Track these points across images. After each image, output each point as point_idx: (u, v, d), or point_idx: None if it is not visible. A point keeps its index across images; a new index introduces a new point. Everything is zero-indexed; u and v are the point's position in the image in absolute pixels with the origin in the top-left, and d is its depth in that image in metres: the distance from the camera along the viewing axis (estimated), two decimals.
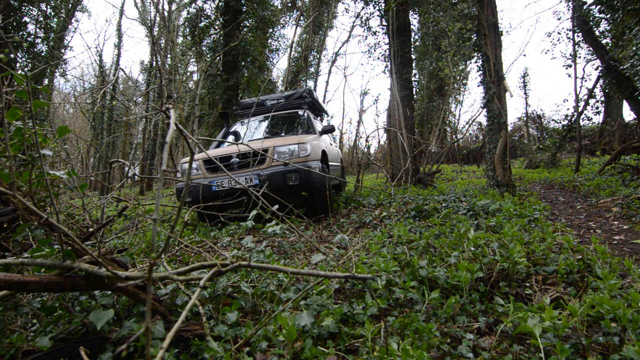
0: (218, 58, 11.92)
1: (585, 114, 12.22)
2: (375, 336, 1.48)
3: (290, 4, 19.21)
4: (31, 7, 12.11)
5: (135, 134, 23.12)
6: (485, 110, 6.19)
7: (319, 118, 7.43)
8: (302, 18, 18.05)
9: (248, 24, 12.35)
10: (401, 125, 8.74)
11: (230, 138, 6.07)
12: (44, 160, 1.50)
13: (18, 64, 11.58)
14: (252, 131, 6.19)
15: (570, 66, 11.41)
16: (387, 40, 11.40)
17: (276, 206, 2.31)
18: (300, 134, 5.59)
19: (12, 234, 1.77)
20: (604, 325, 1.36)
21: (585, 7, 11.08)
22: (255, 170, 4.43)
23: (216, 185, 4.33)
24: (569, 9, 12.02)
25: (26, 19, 11.92)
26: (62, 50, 15.05)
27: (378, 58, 13.47)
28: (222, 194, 4.35)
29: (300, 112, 6.50)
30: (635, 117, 10.73)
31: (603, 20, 10.89)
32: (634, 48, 7.25)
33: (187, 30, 14.13)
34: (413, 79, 10.71)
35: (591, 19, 11.21)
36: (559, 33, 13.56)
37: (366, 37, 17.21)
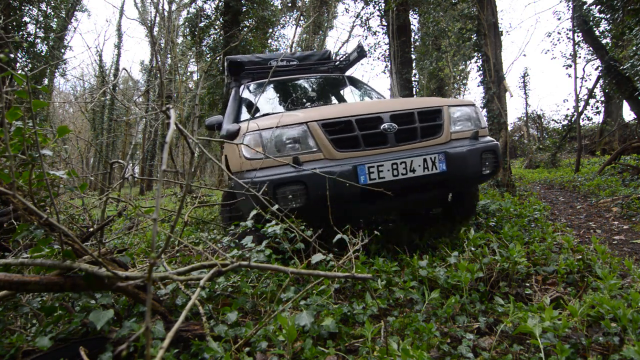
0: (218, 58, 11.92)
1: (585, 114, 12.22)
2: (375, 336, 1.48)
3: (290, 4, 19.21)
4: (31, 7, 12.11)
5: (135, 134, 23.18)
6: (485, 110, 6.20)
7: None
8: (302, 18, 18.06)
9: (248, 24, 12.36)
10: None
11: (244, 111, 3.67)
12: (44, 160, 1.50)
13: (18, 64, 11.59)
14: (272, 101, 4.04)
15: (570, 66, 11.41)
16: (387, 40, 11.41)
17: (276, 206, 2.21)
18: None
19: (12, 234, 1.77)
20: (604, 325, 1.36)
21: (585, 7, 11.08)
22: (435, 146, 2.56)
23: (370, 175, 2.33)
24: (569, 9, 12.02)
25: (26, 19, 11.93)
26: (62, 50, 15.05)
27: (378, 58, 13.50)
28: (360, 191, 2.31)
29: (339, 77, 4.50)
30: (635, 117, 10.73)
31: (603, 20, 10.89)
32: (634, 48, 7.26)
33: (187, 30, 14.14)
34: (413, 79, 10.72)
35: (591, 19, 11.21)
36: (559, 33, 13.57)
37: (366, 37, 17.20)
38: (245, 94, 3.98)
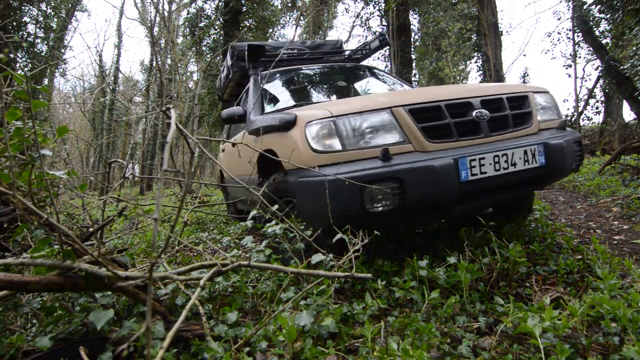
0: (218, 58, 11.93)
1: (585, 114, 12.24)
2: (375, 336, 1.48)
3: (290, 4, 19.22)
4: (31, 7, 12.12)
5: (132, 134, 23.20)
6: None
7: None
8: (302, 18, 18.06)
9: (248, 24, 12.37)
10: None
11: (268, 100, 3.42)
12: (44, 160, 1.50)
13: (18, 64, 11.59)
14: (295, 90, 3.72)
15: (570, 66, 11.43)
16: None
17: (276, 206, 2.20)
18: None
19: (12, 234, 1.77)
20: (604, 325, 1.36)
21: (585, 7, 11.09)
22: (527, 137, 2.27)
23: (471, 170, 2.00)
24: (569, 9, 12.04)
25: (26, 19, 11.93)
26: (62, 50, 15.07)
27: (378, 58, 13.51)
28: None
29: (360, 66, 4.17)
30: (635, 117, 10.74)
31: (603, 20, 10.90)
32: (634, 48, 7.26)
33: (187, 30, 14.15)
34: (413, 79, 10.73)
35: (591, 19, 11.21)
36: (559, 33, 13.62)
37: (366, 37, 17.22)
38: (265, 83, 3.61)
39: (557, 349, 1.22)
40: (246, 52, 3.63)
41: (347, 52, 4.49)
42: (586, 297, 1.56)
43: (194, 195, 6.65)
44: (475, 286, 1.89)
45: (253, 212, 2.25)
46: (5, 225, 1.96)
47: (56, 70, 15.64)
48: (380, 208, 1.89)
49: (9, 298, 1.34)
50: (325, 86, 3.87)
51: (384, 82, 3.96)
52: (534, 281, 2.00)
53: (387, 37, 4.16)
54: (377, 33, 4.33)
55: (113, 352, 1.23)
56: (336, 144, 2.00)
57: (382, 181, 1.86)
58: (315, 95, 3.70)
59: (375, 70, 4.11)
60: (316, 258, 1.74)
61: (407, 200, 1.88)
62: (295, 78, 3.84)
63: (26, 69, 11.78)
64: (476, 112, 2.15)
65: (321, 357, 1.34)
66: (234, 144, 3.08)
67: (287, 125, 2.23)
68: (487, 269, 1.98)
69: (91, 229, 1.78)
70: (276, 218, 2.07)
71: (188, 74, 20.96)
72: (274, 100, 3.45)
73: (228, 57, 4.48)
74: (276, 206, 2.06)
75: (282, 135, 2.29)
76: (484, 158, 2.03)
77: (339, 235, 1.82)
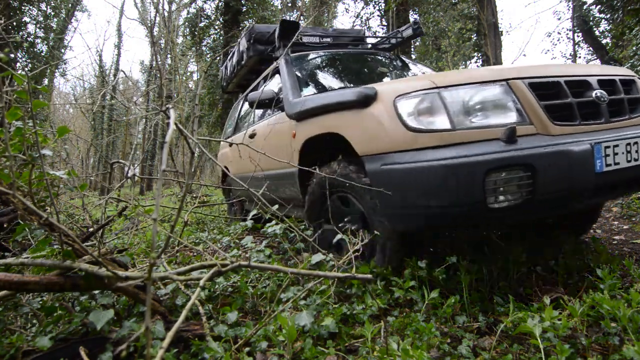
0: (218, 58, 11.94)
1: None
2: (375, 336, 1.48)
3: (290, 4, 19.21)
4: (31, 7, 12.12)
5: (136, 134, 23.21)
6: None
7: None
8: (302, 18, 18.04)
9: (248, 24, 12.38)
10: None
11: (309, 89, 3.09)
12: (44, 160, 1.50)
13: (18, 64, 11.60)
14: (327, 75, 3.48)
15: None
16: None
17: (276, 206, 2.21)
18: None
19: (12, 234, 1.78)
20: (604, 325, 1.36)
21: (585, 7, 11.10)
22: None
23: (605, 160, 1.67)
24: (569, 9, 12.05)
25: (26, 19, 11.94)
26: (62, 50, 15.08)
27: None
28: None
29: (393, 55, 3.97)
30: None
31: (603, 20, 10.90)
32: (634, 48, 7.26)
33: (187, 30, 14.16)
34: None
35: (591, 19, 11.22)
36: (559, 33, 13.64)
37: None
38: (295, 67, 3.26)
39: (557, 349, 1.22)
40: (278, 29, 3.32)
41: (374, 41, 4.28)
42: (586, 297, 1.56)
43: (194, 196, 6.65)
44: (475, 286, 1.89)
45: (253, 212, 2.25)
46: (5, 225, 1.96)
47: (56, 70, 15.66)
48: (506, 202, 1.54)
49: (9, 298, 1.34)
50: (362, 71, 3.56)
51: (418, 69, 3.69)
52: (534, 281, 2.00)
53: (421, 25, 3.88)
54: (412, 22, 3.98)
55: (113, 352, 1.23)
56: (442, 121, 1.64)
57: (509, 168, 1.52)
58: (351, 81, 3.37)
59: (405, 59, 3.88)
60: (316, 258, 1.74)
61: (537, 193, 1.53)
62: (326, 62, 3.53)
63: (26, 69, 11.79)
64: (596, 93, 1.82)
65: (321, 357, 1.34)
66: (251, 135, 2.72)
67: (366, 100, 1.87)
68: (487, 269, 1.98)
69: (91, 229, 1.78)
70: (276, 218, 2.07)
71: (188, 74, 20.97)
72: (304, 84, 3.12)
73: (243, 41, 4.17)
74: (276, 206, 2.06)
75: (355, 113, 1.96)
76: (617, 146, 1.70)
77: (339, 236, 1.82)
